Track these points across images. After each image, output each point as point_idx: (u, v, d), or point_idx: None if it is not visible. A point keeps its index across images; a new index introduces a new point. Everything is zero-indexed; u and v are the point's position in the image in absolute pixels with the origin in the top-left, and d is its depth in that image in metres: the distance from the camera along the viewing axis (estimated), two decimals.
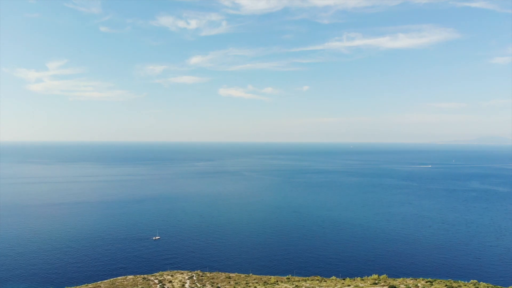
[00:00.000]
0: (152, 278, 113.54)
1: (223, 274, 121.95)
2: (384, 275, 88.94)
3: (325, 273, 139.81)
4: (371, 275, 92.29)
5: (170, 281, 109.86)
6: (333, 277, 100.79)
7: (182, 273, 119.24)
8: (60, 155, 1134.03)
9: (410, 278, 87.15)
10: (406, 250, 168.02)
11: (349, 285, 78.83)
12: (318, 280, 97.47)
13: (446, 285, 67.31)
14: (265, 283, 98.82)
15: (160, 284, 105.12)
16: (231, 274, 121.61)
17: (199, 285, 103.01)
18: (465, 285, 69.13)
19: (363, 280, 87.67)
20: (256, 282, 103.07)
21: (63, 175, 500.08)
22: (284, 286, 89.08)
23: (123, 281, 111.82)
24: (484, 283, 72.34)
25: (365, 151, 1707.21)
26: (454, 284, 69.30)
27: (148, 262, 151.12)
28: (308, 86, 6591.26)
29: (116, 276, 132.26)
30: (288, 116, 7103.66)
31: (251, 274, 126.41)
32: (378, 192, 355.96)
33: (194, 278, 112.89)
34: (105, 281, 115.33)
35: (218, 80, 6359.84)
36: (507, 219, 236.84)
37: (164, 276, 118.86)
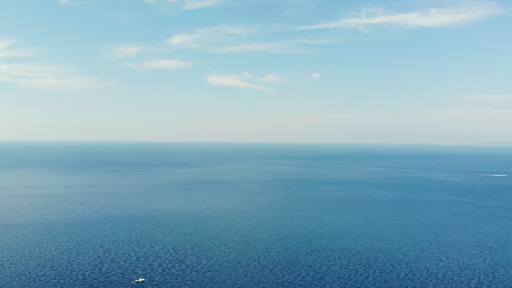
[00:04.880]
0: None
1: None
2: None
3: None
4: None
5: None
6: None
7: None
8: (1, 158, 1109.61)
9: None
10: None
11: None
12: None
13: None
14: None
15: None
16: None
17: None
18: None
19: None
20: None
21: None
22: None
23: None
24: None
25: (395, 155, 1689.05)
26: None
27: None
28: (319, 73, 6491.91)
29: None
30: (294, 110, 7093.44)
31: None
32: (420, 212, 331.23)
33: None
34: None
35: (206, 65, 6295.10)
36: None
37: None
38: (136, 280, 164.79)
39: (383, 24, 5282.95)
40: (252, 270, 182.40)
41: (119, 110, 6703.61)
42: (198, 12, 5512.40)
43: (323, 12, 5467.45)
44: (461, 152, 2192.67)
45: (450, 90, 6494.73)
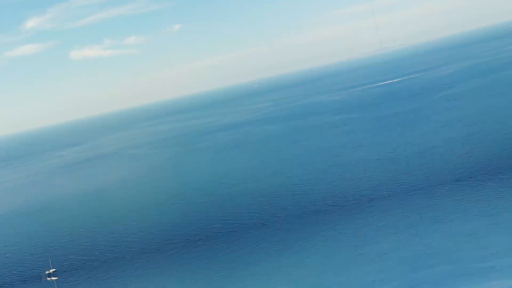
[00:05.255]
0: None
1: None
2: None
3: None
4: None
5: None
6: None
7: None
8: None
9: None
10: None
11: None
12: None
13: None
14: None
15: None
16: None
17: None
18: None
19: None
20: None
21: None
22: None
23: None
24: None
25: (275, 88, 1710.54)
26: None
27: None
28: (180, 24, 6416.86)
29: None
30: (165, 66, 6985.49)
31: None
32: (313, 138, 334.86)
33: None
34: None
35: (67, 42, 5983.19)
36: None
37: None
38: (47, 271, 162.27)
39: None
40: (159, 236, 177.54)
41: None
42: None
43: None
44: (350, 67, 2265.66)
45: (312, 10, 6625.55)
